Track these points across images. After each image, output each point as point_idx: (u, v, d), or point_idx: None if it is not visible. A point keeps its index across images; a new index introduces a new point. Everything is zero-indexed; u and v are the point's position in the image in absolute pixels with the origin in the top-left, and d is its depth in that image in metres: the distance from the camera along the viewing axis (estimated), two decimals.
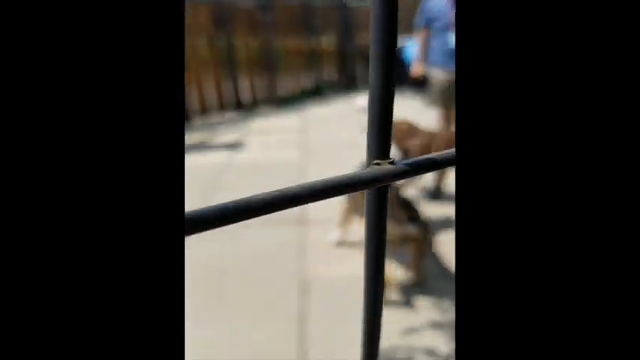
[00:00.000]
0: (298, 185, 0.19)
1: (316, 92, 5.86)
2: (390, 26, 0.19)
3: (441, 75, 2.85)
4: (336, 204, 2.56)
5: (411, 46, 5.14)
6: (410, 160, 0.20)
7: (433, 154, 0.22)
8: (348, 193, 0.19)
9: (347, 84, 6.20)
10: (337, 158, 3.34)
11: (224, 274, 1.91)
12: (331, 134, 4.07)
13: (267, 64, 5.30)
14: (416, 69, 3.07)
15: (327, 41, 5.95)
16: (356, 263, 1.96)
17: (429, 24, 2.88)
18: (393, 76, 0.20)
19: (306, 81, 5.81)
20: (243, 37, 4.97)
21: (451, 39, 2.70)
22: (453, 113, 2.88)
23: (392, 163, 0.20)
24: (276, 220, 2.47)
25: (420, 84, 3.92)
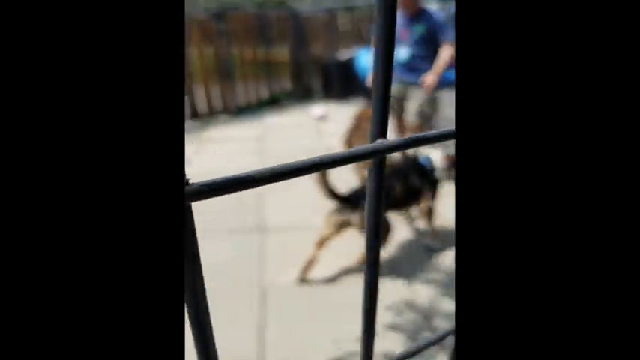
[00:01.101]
0: (317, 157, 0.20)
1: (273, 101, 5.88)
2: (390, 21, 0.21)
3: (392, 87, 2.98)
4: (296, 209, 2.57)
5: (363, 56, 5.31)
6: (407, 137, 0.23)
7: (429, 132, 0.25)
8: (356, 162, 0.21)
9: (302, 93, 6.27)
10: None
11: None
12: (289, 142, 4.09)
13: (223, 73, 5.25)
14: (370, 79, 3.18)
15: (282, 51, 6.00)
16: (312, 270, 1.98)
17: None
18: (390, 74, 0.23)
19: (263, 90, 5.81)
20: (197, 47, 4.90)
21: (399, 53, 2.85)
22: (404, 123, 3.03)
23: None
24: (236, 229, 2.44)
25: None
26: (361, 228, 1.90)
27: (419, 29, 2.75)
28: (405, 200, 2.10)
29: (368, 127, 2.22)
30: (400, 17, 2.79)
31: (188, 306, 0.20)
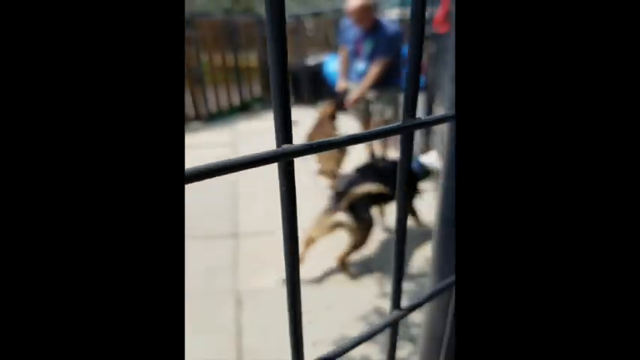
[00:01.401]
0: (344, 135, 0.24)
1: (244, 107, 5.90)
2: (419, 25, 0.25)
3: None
4: (269, 214, 2.63)
5: (331, 62, 5.43)
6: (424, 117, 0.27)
7: (435, 115, 0.29)
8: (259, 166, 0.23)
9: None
10: (270, 169, 3.42)
11: None
12: (262, 147, 4.12)
13: (193, 80, 5.25)
14: (340, 85, 3.28)
15: (251, 57, 6.05)
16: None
17: (345, 44, 3.12)
18: (420, 61, 0.26)
19: (233, 97, 5.83)
20: None
21: (357, 67, 3.04)
22: (369, 127, 3.18)
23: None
24: (209, 235, 2.46)
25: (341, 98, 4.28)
26: (352, 230, 1.94)
27: (369, 44, 2.93)
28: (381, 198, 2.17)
29: (329, 125, 2.39)
30: (357, 32, 2.94)
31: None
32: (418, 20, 0.25)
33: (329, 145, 0.26)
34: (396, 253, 0.33)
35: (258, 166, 0.23)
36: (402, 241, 0.33)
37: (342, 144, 0.26)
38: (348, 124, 3.67)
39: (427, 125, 0.29)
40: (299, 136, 4.32)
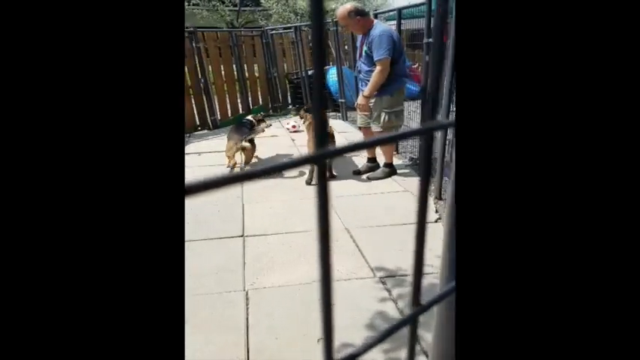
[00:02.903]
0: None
1: (248, 115, 5.96)
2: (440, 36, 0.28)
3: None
4: (274, 217, 2.64)
5: (331, 72, 5.49)
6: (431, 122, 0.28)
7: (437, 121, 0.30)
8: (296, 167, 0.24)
9: (276, 107, 6.41)
10: (274, 175, 3.47)
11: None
12: (266, 152, 4.19)
13: (200, 90, 5.32)
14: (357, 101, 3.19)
15: (254, 67, 6.13)
16: (295, 271, 2.05)
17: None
18: (442, 66, 0.27)
19: (238, 105, 5.90)
20: None
21: (361, 68, 3.12)
22: (370, 132, 3.21)
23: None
24: (219, 237, 2.48)
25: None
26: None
27: (365, 47, 3.00)
28: None
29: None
30: (360, 39, 3.05)
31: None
32: (438, 37, 0.27)
33: (360, 147, 0.28)
34: (416, 252, 0.33)
35: (294, 167, 0.24)
36: (421, 239, 0.33)
37: (370, 145, 0.27)
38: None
39: (429, 131, 0.28)
40: (301, 143, 4.37)
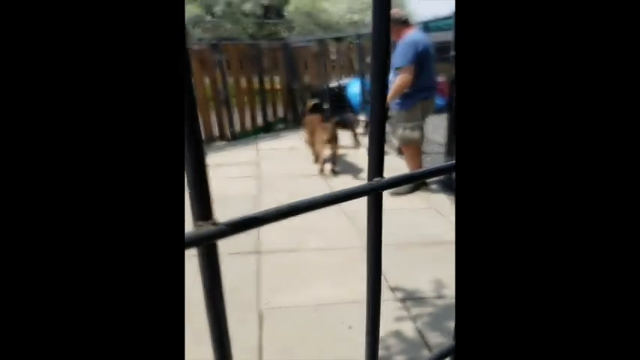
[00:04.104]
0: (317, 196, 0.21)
1: (267, 128, 5.92)
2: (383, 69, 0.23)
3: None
4: (288, 233, 2.56)
5: (353, 85, 5.41)
6: (402, 174, 0.24)
7: (433, 167, 0.26)
8: (348, 200, 0.22)
9: (296, 120, 6.34)
10: (291, 186, 3.37)
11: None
12: (284, 166, 4.11)
13: (220, 101, 5.30)
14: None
15: (275, 80, 6.10)
16: (311, 291, 1.96)
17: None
18: (385, 113, 0.24)
19: (258, 118, 5.87)
20: (196, 76, 4.96)
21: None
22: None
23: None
24: (233, 252, 2.41)
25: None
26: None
27: (394, 54, 2.85)
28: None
29: (319, 124, 3.08)
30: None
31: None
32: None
33: (416, 177, 0.27)
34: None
35: (352, 199, 0.23)
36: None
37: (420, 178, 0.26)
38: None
39: (432, 176, 0.28)
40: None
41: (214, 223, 0.20)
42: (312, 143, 4.02)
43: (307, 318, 1.80)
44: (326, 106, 5.18)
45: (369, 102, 0.23)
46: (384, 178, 0.24)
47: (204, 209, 0.20)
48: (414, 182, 0.26)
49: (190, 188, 0.19)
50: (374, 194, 0.24)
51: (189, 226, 0.19)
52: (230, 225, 0.20)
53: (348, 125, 4.52)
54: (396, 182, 0.24)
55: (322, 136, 3.64)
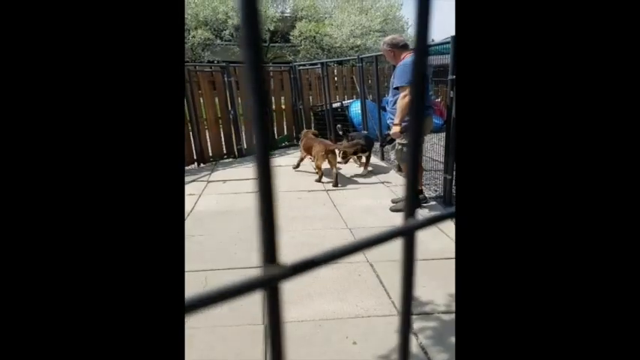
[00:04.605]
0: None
1: (274, 146, 6.04)
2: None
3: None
4: (295, 249, 2.58)
5: (355, 105, 5.54)
6: (427, 215, 0.26)
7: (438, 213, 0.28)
8: (388, 242, 0.24)
9: (300, 138, 6.47)
10: (295, 202, 3.44)
11: (192, 327, 1.83)
12: (289, 182, 4.19)
13: (229, 120, 5.45)
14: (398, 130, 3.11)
15: (281, 100, 6.26)
16: (317, 306, 1.97)
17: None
18: (419, 158, 0.25)
19: None
20: (206, 96, 5.13)
21: (387, 100, 3.14)
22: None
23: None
24: (240, 268, 2.42)
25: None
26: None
27: (392, 78, 3.04)
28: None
29: (311, 137, 3.20)
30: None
31: None
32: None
33: (442, 218, 0.28)
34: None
35: (388, 241, 0.23)
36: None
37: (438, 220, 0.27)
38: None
39: (430, 224, 0.28)
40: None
41: (279, 266, 0.21)
42: (306, 156, 4.38)
43: (313, 333, 1.78)
44: (340, 132, 5.37)
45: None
46: (416, 218, 0.24)
47: (271, 253, 0.22)
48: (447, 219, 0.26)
49: (260, 234, 0.21)
50: (408, 235, 0.25)
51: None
52: (292, 268, 0.22)
53: (368, 148, 4.37)
54: (428, 222, 0.25)
55: (319, 149, 4.03)
